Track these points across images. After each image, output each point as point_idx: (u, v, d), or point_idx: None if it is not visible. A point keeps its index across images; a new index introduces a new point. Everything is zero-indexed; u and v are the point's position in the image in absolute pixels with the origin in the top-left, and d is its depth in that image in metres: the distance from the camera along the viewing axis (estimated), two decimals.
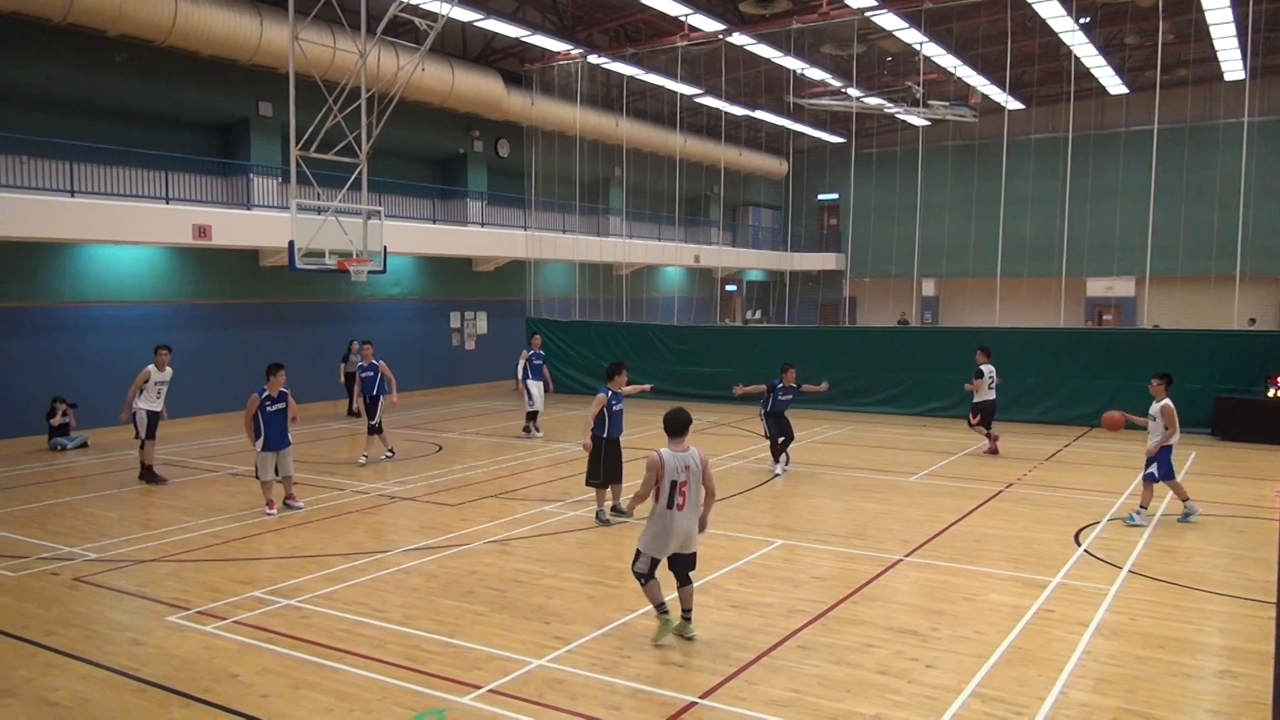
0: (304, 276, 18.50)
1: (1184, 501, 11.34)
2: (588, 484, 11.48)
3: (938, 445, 17.14)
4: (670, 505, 7.09)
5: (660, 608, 7.32)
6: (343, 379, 21.39)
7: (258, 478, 11.92)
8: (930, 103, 31.34)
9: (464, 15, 22.95)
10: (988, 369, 16.16)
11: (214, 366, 20.09)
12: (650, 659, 7.05)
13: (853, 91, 31.30)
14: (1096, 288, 36.59)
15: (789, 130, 38.49)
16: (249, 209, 20.62)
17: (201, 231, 18.70)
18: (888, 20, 24.81)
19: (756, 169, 40.65)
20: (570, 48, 26.49)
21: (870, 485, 13.71)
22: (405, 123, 21.19)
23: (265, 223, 19.96)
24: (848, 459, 16.01)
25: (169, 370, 14.01)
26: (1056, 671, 6.77)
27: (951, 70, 30.87)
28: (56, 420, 17.26)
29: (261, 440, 11.69)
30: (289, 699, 6.41)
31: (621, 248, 30.52)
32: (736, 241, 41.38)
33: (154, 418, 13.86)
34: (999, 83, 31.36)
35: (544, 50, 26.76)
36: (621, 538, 10.47)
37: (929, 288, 40.40)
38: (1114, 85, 33.52)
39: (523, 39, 25.79)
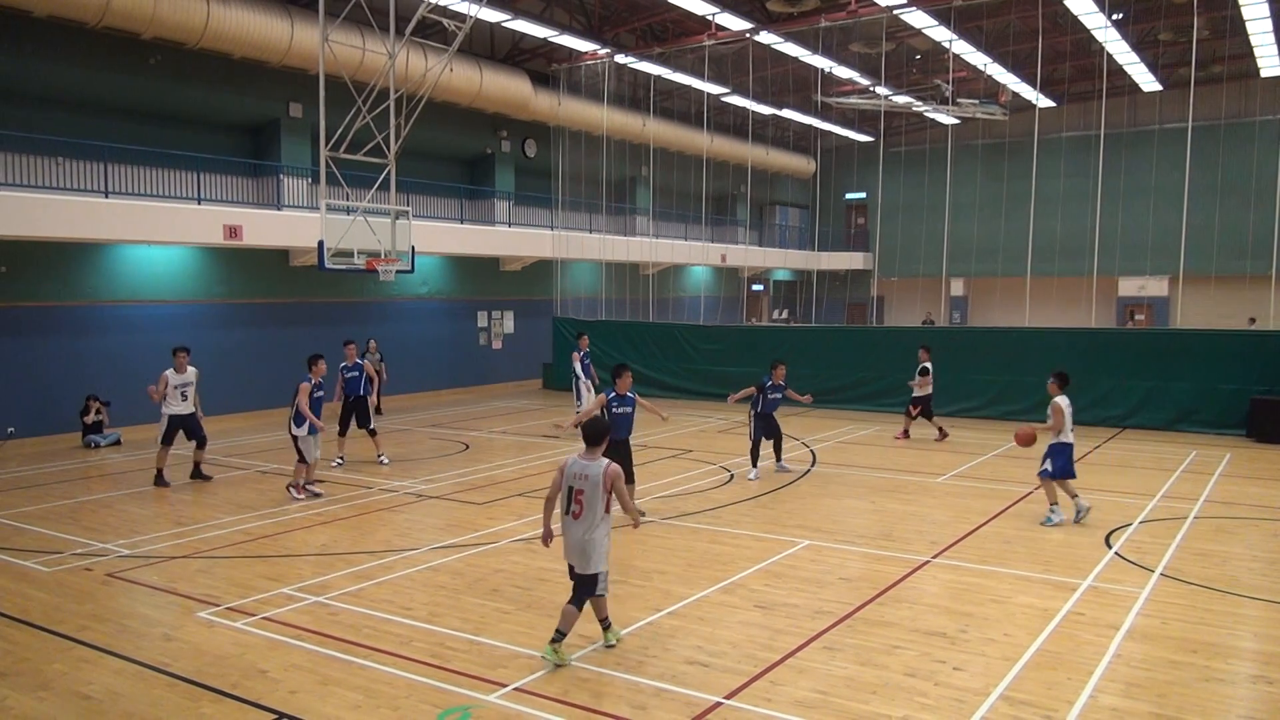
0: (333, 276, 18.67)
1: (1051, 505, 11.18)
2: None
3: (965, 446, 17.00)
4: (567, 511, 7.10)
5: (608, 629, 7.29)
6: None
7: (303, 461, 12.54)
8: (959, 100, 31.09)
9: (492, 16, 23.06)
10: (929, 365, 17.75)
11: (244, 365, 20.32)
12: (675, 659, 7.04)
13: (881, 90, 31.11)
14: (1128, 287, 36.13)
15: (817, 129, 38.34)
16: (279, 209, 20.82)
17: (232, 231, 18.91)
18: (917, 18, 24.65)
19: (784, 168, 40.51)
20: (597, 47, 26.52)
21: (897, 486, 13.63)
22: (433, 123, 21.34)
23: (295, 223, 20.16)
24: (874, 459, 15.92)
25: (191, 370, 13.72)
26: (1086, 675, 6.70)
27: (981, 68, 30.61)
28: (90, 418, 17.51)
29: (308, 424, 12.47)
30: (317, 695, 6.47)
31: (648, 247, 30.54)
32: (763, 241, 41.24)
33: (176, 421, 13.59)
34: (1029, 80, 31.07)
35: (571, 50, 26.81)
36: (645, 538, 10.47)
37: (958, 287, 40.03)
38: (1147, 82, 33.08)
39: (550, 39, 25.86)
